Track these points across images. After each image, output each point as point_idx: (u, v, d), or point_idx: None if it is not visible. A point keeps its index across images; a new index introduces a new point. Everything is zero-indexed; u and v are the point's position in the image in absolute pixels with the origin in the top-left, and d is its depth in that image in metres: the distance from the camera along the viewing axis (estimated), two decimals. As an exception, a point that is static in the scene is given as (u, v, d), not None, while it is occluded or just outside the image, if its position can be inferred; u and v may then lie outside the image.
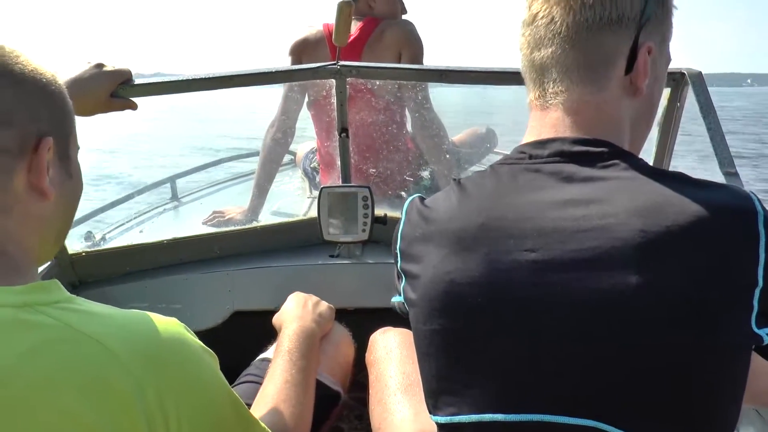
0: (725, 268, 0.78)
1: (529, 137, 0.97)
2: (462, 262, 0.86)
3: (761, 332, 0.79)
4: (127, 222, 3.34)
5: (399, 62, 2.78)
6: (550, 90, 0.95)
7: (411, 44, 2.81)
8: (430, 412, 0.94)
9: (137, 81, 1.62)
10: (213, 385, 0.86)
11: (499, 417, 0.84)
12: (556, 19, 0.92)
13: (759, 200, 0.81)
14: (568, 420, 0.80)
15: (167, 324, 0.83)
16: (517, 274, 0.83)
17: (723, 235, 0.78)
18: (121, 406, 0.73)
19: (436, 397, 0.92)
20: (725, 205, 0.80)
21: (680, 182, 0.83)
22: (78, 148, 0.91)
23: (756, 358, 0.86)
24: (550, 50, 0.94)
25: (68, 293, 0.79)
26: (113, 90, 1.57)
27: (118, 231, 3.17)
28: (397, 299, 1.07)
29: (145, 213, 3.55)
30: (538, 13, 0.95)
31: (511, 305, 0.83)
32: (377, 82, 2.67)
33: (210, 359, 0.87)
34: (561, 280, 0.81)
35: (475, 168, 3.70)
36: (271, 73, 1.81)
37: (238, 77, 1.74)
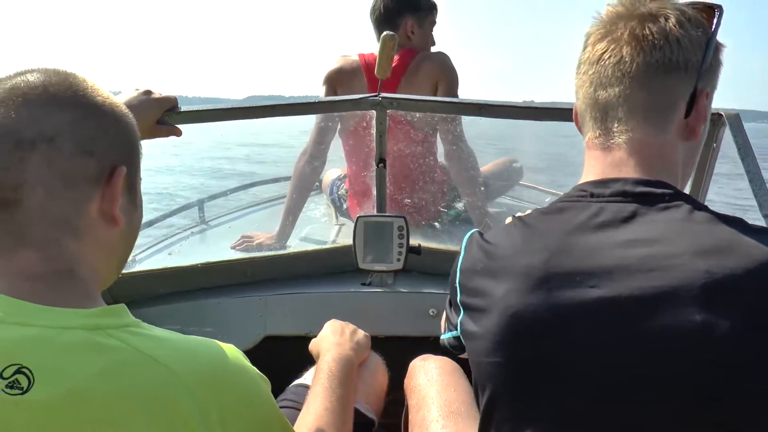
0: None
1: (588, 176, 0.98)
2: (528, 296, 0.87)
3: None
4: (156, 244, 3.37)
5: (435, 92, 2.82)
6: (614, 129, 0.97)
7: (447, 75, 2.85)
8: None
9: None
10: (268, 409, 0.89)
11: None
12: (626, 59, 0.95)
13: None
14: None
15: (227, 350, 0.86)
16: (582, 309, 0.84)
17: None
18: (185, 427, 0.75)
19: (497, 427, 0.93)
20: None
21: (741, 227, 0.85)
22: (140, 179, 0.94)
23: None
24: (617, 89, 0.95)
25: (134, 318, 0.82)
26: (159, 117, 1.62)
27: (147, 253, 3.19)
28: (448, 335, 1.08)
29: (174, 236, 3.58)
30: (604, 52, 0.97)
31: (576, 340, 0.85)
32: (416, 114, 2.70)
33: (265, 385, 0.90)
34: (626, 317, 0.82)
35: (502, 200, 3.72)
36: (314, 103, 1.85)
37: (280, 107, 1.78)
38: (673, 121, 0.95)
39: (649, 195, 0.91)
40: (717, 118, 1.62)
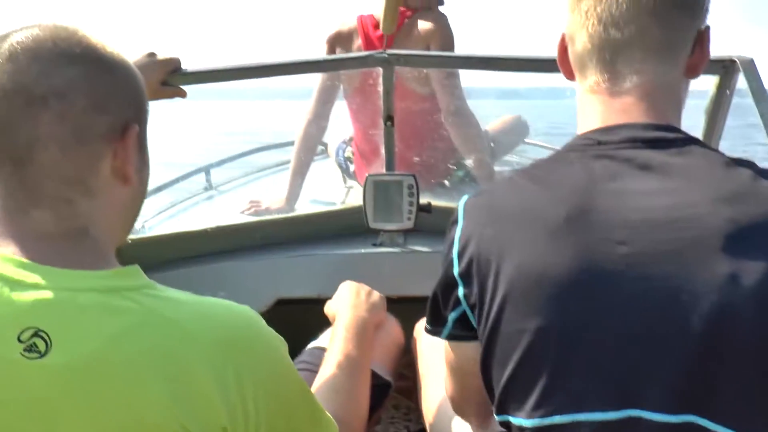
0: None
1: (592, 124, 0.92)
2: (552, 255, 0.82)
3: None
4: (164, 211, 3.35)
5: None
6: (625, 71, 0.90)
7: (440, 37, 2.78)
8: (510, 415, 0.88)
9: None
10: (286, 371, 0.88)
11: (596, 416, 0.80)
12: None
13: None
14: (667, 417, 0.77)
15: (243, 311, 0.85)
16: (611, 267, 0.80)
17: None
18: (201, 391, 0.74)
19: (520, 399, 0.85)
20: None
21: (756, 170, 0.82)
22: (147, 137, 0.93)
23: None
24: (633, 27, 0.89)
25: (148, 279, 0.81)
26: (164, 78, 1.59)
27: (155, 220, 3.18)
28: (452, 317, 0.96)
29: (181, 202, 3.56)
30: None
31: (608, 299, 0.80)
32: (414, 72, 2.66)
33: (282, 346, 0.88)
34: (655, 272, 0.78)
35: (509, 158, 3.68)
36: (320, 62, 1.83)
37: (286, 66, 1.76)
38: (681, 59, 0.91)
39: (662, 140, 0.86)
40: (730, 65, 1.58)
